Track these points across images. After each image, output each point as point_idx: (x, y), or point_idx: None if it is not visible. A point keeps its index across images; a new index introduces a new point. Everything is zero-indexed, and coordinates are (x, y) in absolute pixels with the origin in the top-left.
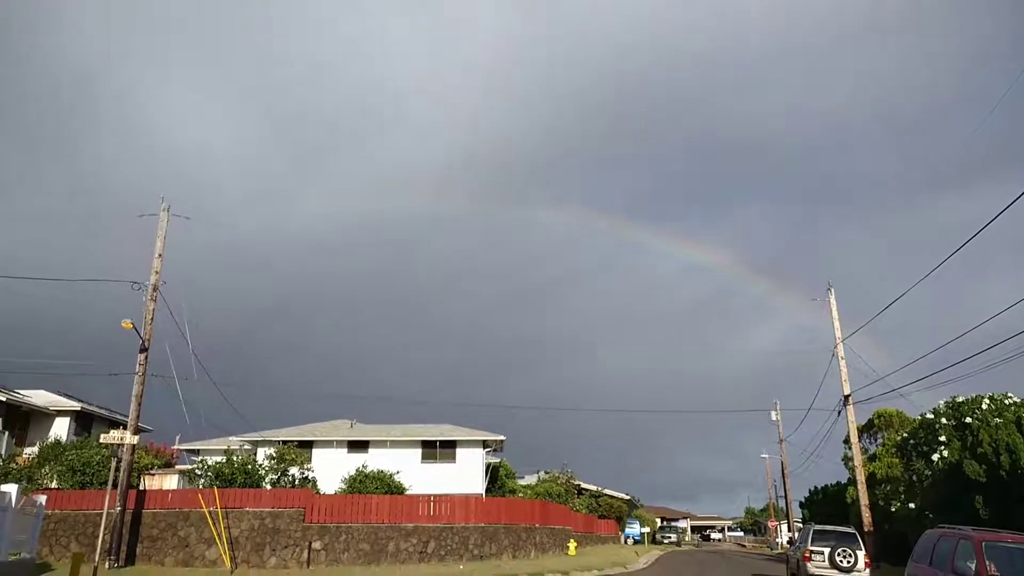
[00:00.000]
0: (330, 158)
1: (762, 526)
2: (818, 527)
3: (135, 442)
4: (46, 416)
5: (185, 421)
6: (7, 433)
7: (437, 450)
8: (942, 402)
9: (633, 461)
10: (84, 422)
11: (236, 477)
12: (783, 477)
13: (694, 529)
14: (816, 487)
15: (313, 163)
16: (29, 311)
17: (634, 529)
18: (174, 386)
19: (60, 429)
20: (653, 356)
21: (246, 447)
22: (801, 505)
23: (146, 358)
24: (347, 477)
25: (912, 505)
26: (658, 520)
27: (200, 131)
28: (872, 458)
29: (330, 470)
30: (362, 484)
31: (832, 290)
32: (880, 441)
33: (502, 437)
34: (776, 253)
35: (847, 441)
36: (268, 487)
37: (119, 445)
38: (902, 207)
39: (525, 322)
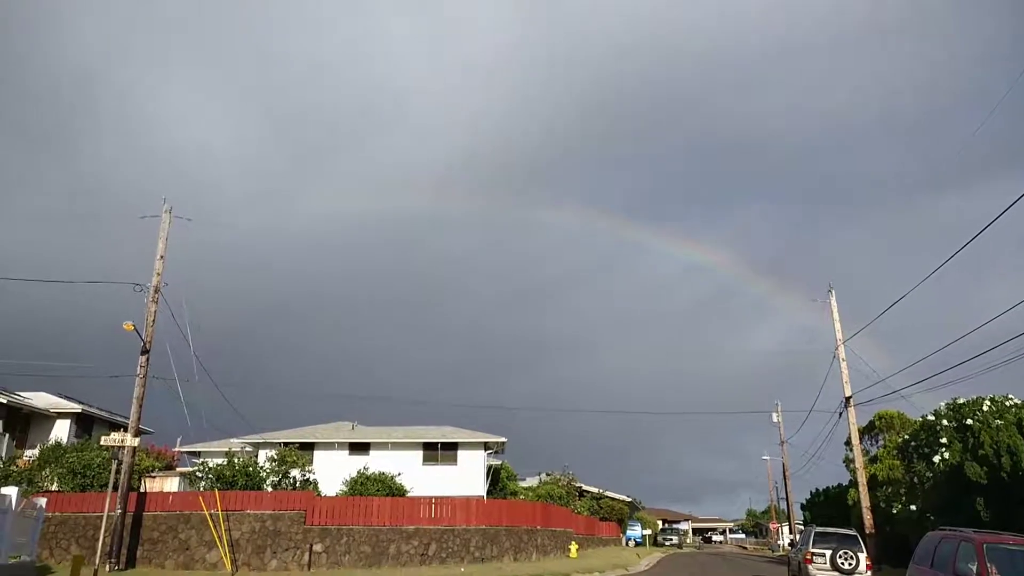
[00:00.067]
0: (331, 158)
1: (763, 528)
2: (819, 529)
3: (136, 444)
4: (47, 418)
5: (186, 423)
6: (7, 435)
7: (438, 452)
8: (943, 404)
9: (634, 463)
10: (85, 424)
11: (237, 479)
12: (784, 479)
13: (695, 531)
14: (817, 489)
15: (314, 163)
16: (29, 312)
17: (635, 531)
18: (175, 388)
19: (61, 431)
20: (654, 356)
21: (247, 449)
22: (802, 507)
23: (147, 360)
24: (348, 479)
25: (913, 507)
26: (659, 522)
27: (201, 131)
28: (873, 460)
29: (331, 472)
30: (363, 486)
31: (833, 291)
32: (881, 443)
33: (503, 439)
34: (776, 253)
35: (848, 443)
36: (269, 489)
37: (120, 447)
38: (902, 207)
39: (526, 323)
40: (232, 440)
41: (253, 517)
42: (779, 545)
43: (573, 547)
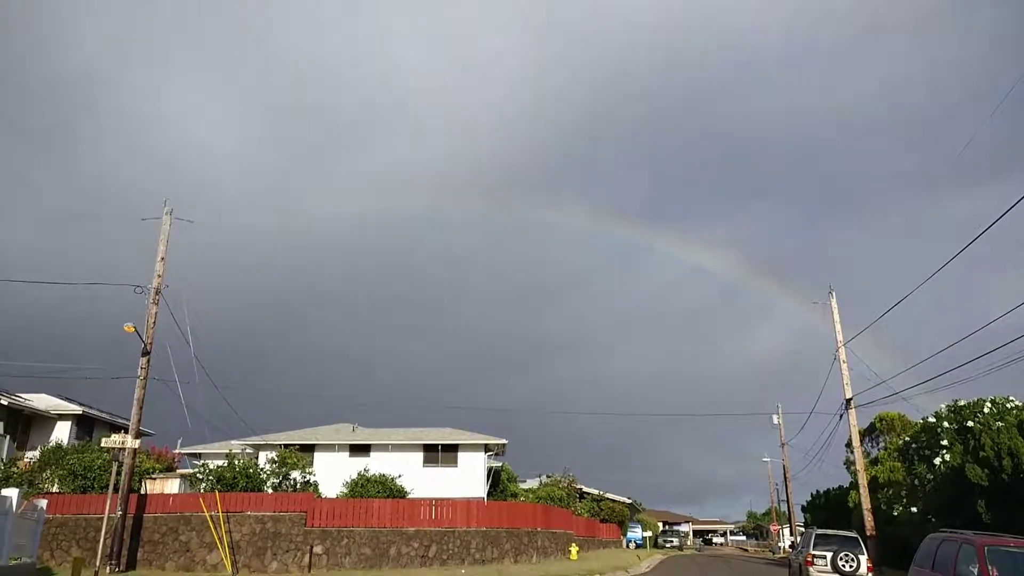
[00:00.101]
0: (331, 158)
1: (764, 530)
2: (820, 531)
3: (136, 446)
4: (47, 420)
5: (187, 425)
6: (8, 437)
7: (439, 454)
8: (944, 406)
9: (635, 464)
10: (85, 426)
11: (238, 481)
12: (785, 481)
13: (696, 533)
14: (818, 491)
15: (314, 163)
16: (29, 313)
17: (636, 533)
18: (176, 390)
19: (61, 433)
20: (655, 357)
21: (248, 451)
22: (803, 509)
23: (148, 362)
24: (349, 481)
25: (914, 509)
26: (660, 524)
27: (201, 131)
28: (874, 462)
29: (332, 474)
30: (364, 488)
31: (833, 293)
32: (882, 445)
33: (504, 441)
34: (781, 254)
35: (849, 445)
36: (270, 491)
37: (120, 449)
38: (904, 207)
39: (526, 323)
40: (232, 442)
41: (254, 519)
42: (780, 547)
43: (573, 549)
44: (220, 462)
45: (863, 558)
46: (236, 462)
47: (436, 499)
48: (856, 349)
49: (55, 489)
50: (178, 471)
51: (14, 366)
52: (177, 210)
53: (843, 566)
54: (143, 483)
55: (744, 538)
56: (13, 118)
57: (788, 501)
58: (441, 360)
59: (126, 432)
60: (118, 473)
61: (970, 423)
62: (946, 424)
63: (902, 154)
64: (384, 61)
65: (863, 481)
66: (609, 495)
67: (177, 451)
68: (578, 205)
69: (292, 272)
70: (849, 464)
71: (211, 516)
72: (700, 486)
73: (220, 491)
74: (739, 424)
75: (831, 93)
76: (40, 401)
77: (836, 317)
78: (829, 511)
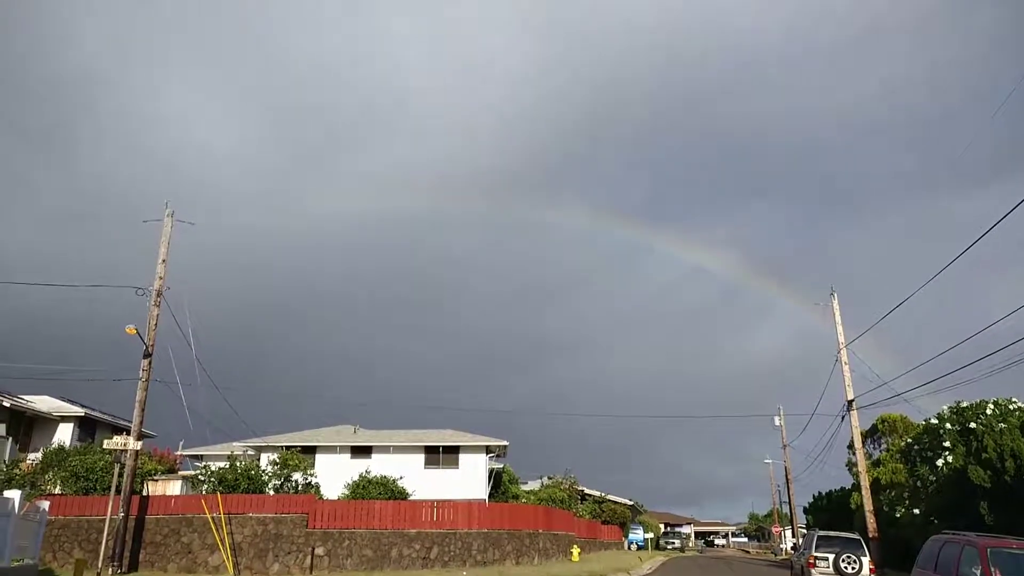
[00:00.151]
0: (331, 158)
1: (766, 532)
2: (822, 533)
3: (138, 448)
4: (49, 422)
5: (188, 426)
6: (10, 439)
7: (440, 455)
8: (946, 407)
9: (637, 466)
10: (88, 428)
11: (239, 483)
12: (787, 483)
13: (698, 535)
14: (820, 493)
15: (314, 163)
16: (29, 314)
17: (637, 535)
18: (177, 392)
19: (64, 435)
20: (656, 358)
21: (249, 452)
22: (805, 511)
23: (150, 364)
24: (350, 482)
25: (917, 511)
26: (662, 526)
27: (201, 131)
28: (876, 463)
29: (333, 475)
30: (365, 490)
31: (835, 294)
32: (884, 446)
33: (505, 442)
34: (781, 254)
35: (851, 446)
36: (271, 492)
37: (122, 451)
38: (904, 207)
39: (527, 323)
40: (234, 443)
41: (255, 520)
42: (782, 549)
43: (575, 551)
44: (222, 464)
45: (865, 560)
46: (238, 464)
47: (437, 501)
48: (858, 350)
49: (57, 491)
50: (180, 473)
51: (15, 368)
52: (177, 210)
53: (845, 568)
54: (145, 485)
55: (746, 540)
56: (13, 118)
57: (790, 503)
58: (441, 360)
59: (128, 434)
60: (120, 475)
61: (972, 425)
62: (948, 426)
63: (902, 154)
64: (384, 61)
65: (865, 483)
66: (611, 497)
67: (179, 453)
68: (578, 205)
69: (292, 272)
70: (851, 466)
71: (213, 518)
72: (701, 487)
73: (222, 493)
74: (740, 425)
75: (831, 93)
76: (42, 403)
77: (838, 318)
78: (831, 513)
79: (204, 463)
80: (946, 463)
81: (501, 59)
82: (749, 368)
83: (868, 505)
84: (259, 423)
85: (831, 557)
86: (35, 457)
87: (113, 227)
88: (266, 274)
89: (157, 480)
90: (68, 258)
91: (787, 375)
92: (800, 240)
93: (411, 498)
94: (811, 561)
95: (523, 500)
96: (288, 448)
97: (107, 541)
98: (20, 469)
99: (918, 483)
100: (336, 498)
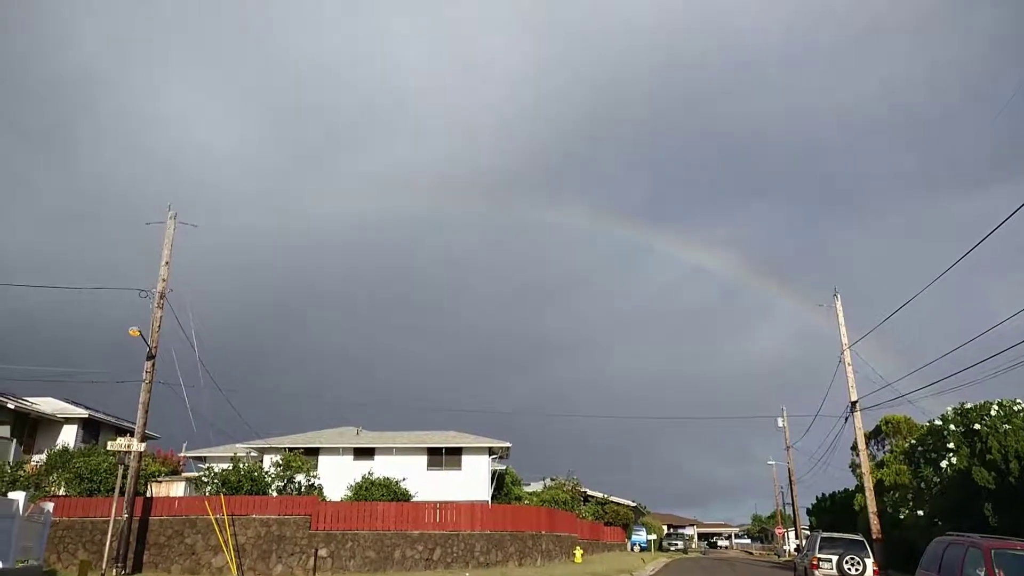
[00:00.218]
0: (331, 158)
1: (769, 533)
2: (826, 534)
3: (142, 449)
4: (54, 423)
5: (192, 428)
6: (15, 440)
7: (443, 457)
8: (950, 408)
9: (639, 467)
10: (91, 429)
11: (242, 484)
12: (790, 484)
13: (701, 536)
14: (824, 494)
15: (314, 163)
16: (31, 316)
17: (640, 536)
18: (181, 393)
19: (68, 436)
20: (656, 358)
21: (252, 454)
22: (808, 512)
23: (153, 365)
24: (353, 484)
25: (921, 512)
26: (665, 527)
27: (201, 131)
28: (880, 465)
29: (336, 477)
30: (368, 491)
31: (838, 295)
32: (888, 448)
33: (508, 444)
34: (781, 254)
35: (855, 448)
36: (274, 494)
37: (126, 452)
38: (904, 207)
39: (528, 323)
40: (237, 445)
41: (258, 522)
42: (785, 550)
43: (578, 552)
44: (225, 465)
45: (869, 561)
46: (241, 465)
47: (440, 502)
48: (861, 351)
49: (61, 492)
50: (183, 474)
51: (19, 370)
52: (177, 211)
53: (849, 569)
54: (149, 486)
55: (749, 541)
56: (13, 118)
57: (793, 504)
58: (441, 360)
59: (132, 435)
60: (124, 476)
61: (977, 426)
62: (952, 427)
63: (902, 154)
64: (384, 61)
65: (869, 484)
66: (614, 498)
67: (182, 454)
68: (578, 205)
69: (292, 272)
70: (855, 467)
71: (216, 519)
72: (702, 488)
73: (225, 494)
74: (741, 426)
75: (831, 93)
76: (46, 405)
77: (841, 319)
78: (835, 514)
79: (207, 465)
80: (950, 464)
81: (501, 59)
82: (749, 368)
83: (872, 506)
84: (259, 424)
85: (835, 559)
86: (39, 459)
87: (113, 227)
88: (266, 274)
89: (161, 482)
90: (68, 258)
91: (788, 375)
92: (800, 240)
93: (414, 500)
94: (815, 562)
95: (526, 502)
96: (291, 450)
97: (111, 542)
98: (24, 471)
99: (922, 484)
100: (339, 500)
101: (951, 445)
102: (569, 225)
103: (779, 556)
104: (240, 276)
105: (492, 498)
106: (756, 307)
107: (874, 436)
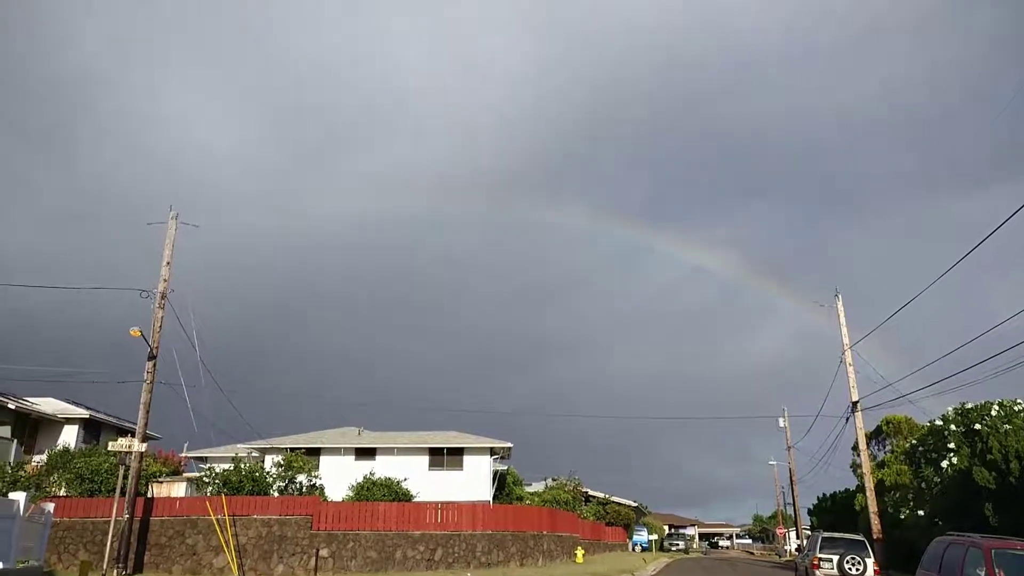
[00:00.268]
0: (331, 158)
1: (770, 533)
2: (827, 534)
3: (143, 450)
4: (54, 424)
5: (193, 428)
6: (16, 441)
7: (444, 457)
8: (951, 408)
9: (640, 468)
10: (92, 430)
11: (244, 484)
12: (791, 484)
13: (702, 536)
14: (825, 494)
15: (314, 163)
16: (31, 316)
17: (642, 536)
18: (182, 393)
19: (68, 437)
20: (656, 358)
21: (254, 454)
22: (809, 512)
23: (154, 366)
24: (354, 484)
25: (921, 512)
26: (666, 527)
27: (201, 131)
28: (881, 465)
29: (337, 477)
30: (369, 491)
31: (839, 296)
32: (889, 448)
33: (509, 444)
34: (781, 254)
35: (855, 448)
36: (276, 494)
37: (127, 453)
38: (904, 207)
39: (529, 323)
40: (238, 445)
41: (260, 522)
42: (786, 550)
43: (579, 552)
44: (226, 466)
45: (870, 561)
46: (242, 465)
47: (442, 502)
48: (862, 351)
49: (62, 493)
50: (184, 475)
51: (19, 370)
52: (177, 211)
53: (849, 569)
54: (150, 487)
55: (750, 541)
56: (13, 118)
57: (794, 504)
58: (441, 360)
59: (133, 436)
60: (125, 477)
61: (977, 426)
62: (953, 427)
63: (902, 154)
64: (384, 61)
65: (870, 484)
66: (615, 498)
67: (183, 455)
68: (578, 205)
69: (292, 272)
70: (855, 467)
71: (217, 519)
72: (703, 489)
73: (226, 494)
74: (742, 426)
75: (831, 93)
76: (47, 405)
77: (842, 320)
78: (835, 514)
79: (208, 465)
80: (951, 464)
81: (501, 59)
82: (749, 368)
83: (872, 507)
84: (260, 424)
85: (835, 558)
86: (40, 459)
87: (113, 227)
88: (266, 274)
89: (162, 482)
90: (68, 258)
91: (788, 375)
92: (800, 240)
93: (415, 500)
94: (815, 562)
95: (527, 502)
96: (292, 450)
97: (112, 543)
98: (25, 471)
99: (922, 484)
100: (340, 500)
101: (952, 445)
102: (569, 225)
103: (780, 556)
104: (240, 276)
105: (493, 498)
106: (756, 307)
107: (875, 436)
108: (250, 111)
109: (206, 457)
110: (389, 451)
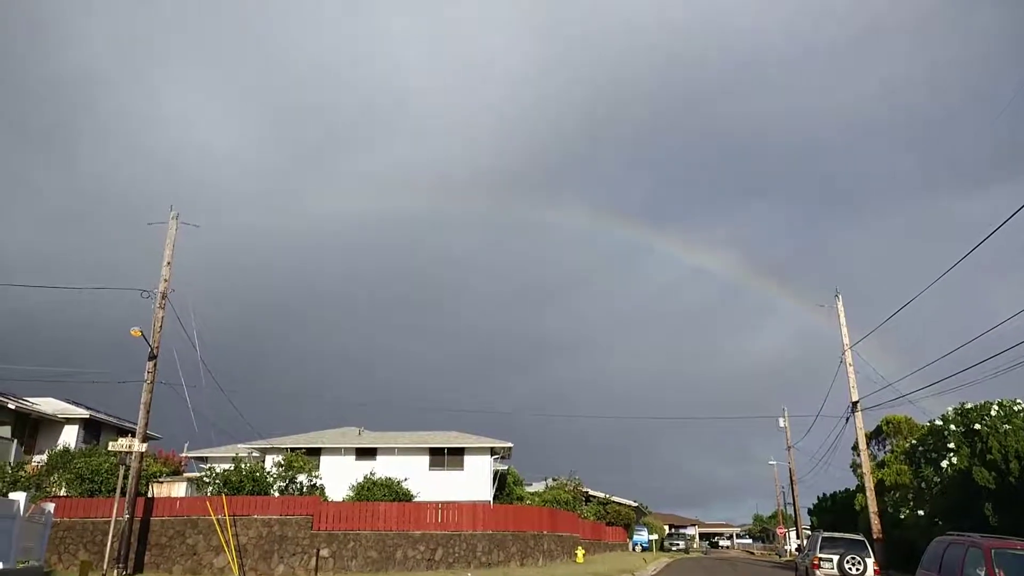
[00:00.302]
0: (331, 158)
1: (770, 533)
2: (827, 534)
3: (143, 450)
4: (55, 424)
5: (194, 429)
6: (16, 441)
7: (445, 457)
8: (951, 408)
9: (641, 468)
10: (93, 430)
11: (244, 484)
12: (791, 484)
13: (702, 536)
14: (825, 494)
15: (314, 163)
16: (31, 316)
17: (642, 536)
18: (182, 394)
19: (69, 437)
20: (656, 358)
21: (254, 454)
22: (809, 512)
23: (155, 366)
24: (355, 484)
25: (921, 512)
26: (666, 527)
27: (201, 131)
28: (881, 465)
29: (338, 477)
30: (370, 491)
31: (840, 296)
32: (889, 448)
33: (510, 444)
34: (781, 254)
35: (855, 448)
36: (276, 494)
37: (127, 453)
38: (904, 207)
39: (527, 324)
40: (239, 445)
41: (260, 522)
42: (786, 550)
43: (580, 552)
44: (227, 466)
45: (870, 561)
46: (243, 465)
47: (442, 502)
48: (862, 351)
49: (63, 493)
50: (185, 475)
51: (19, 370)
52: (177, 211)
53: (849, 569)
54: (150, 487)
55: (750, 541)
56: (13, 118)
57: (794, 504)
58: (441, 360)
59: (133, 436)
60: (125, 477)
61: (977, 426)
62: (953, 427)
63: (902, 154)
64: (384, 61)
65: (870, 484)
66: (615, 498)
67: (184, 455)
68: (578, 205)
69: (292, 272)
70: (855, 467)
71: (218, 519)
72: (703, 488)
73: (227, 494)
74: (742, 426)
75: (831, 93)
76: (47, 405)
77: (842, 320)
78: (835, 514)
79: (209, 465)
80: (951, 464)
81: (501, 59)
82: (750, 368)
83: (872, 506)
84: (260, 424)
85: (835, 558)
86: (40, 459)
87: (113, 227)
88: (266, 274)
89: (162, 482)
90: (68, 258)
91: (788, 375)
92: (800, 240)
93: (416, 500)
94: (815, 562)
95: (528, 502)
96: (293, 450)
97: (112, 543)
98: (25, 471)
99: (922, 484)
100: (341, 500)
101: (951, 445)
102: (569, 225)
103: (780, 556)
104: (240, 276)
105: (494, 498)
106: (756, 307)
107: (875, 436)
108: (250, 111)
109: (206, 457)
110: (389, 451)
